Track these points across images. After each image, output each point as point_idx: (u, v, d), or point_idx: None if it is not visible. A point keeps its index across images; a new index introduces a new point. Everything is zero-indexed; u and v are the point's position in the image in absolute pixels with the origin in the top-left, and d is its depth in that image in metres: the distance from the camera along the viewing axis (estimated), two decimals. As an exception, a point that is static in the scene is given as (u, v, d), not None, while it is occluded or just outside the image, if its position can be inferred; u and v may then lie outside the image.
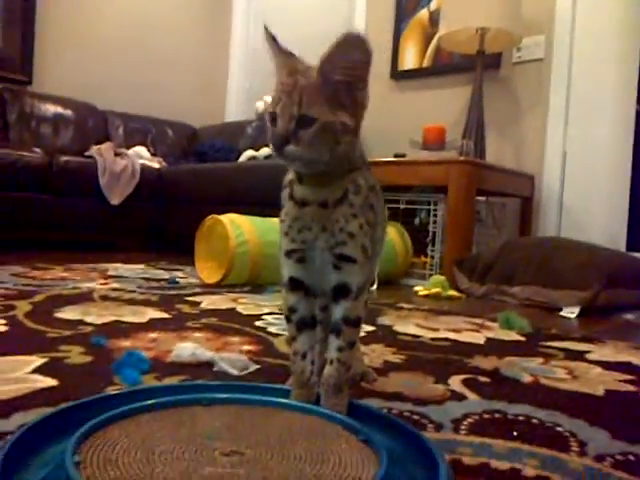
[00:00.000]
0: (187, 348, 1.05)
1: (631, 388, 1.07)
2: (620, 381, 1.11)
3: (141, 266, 2.61)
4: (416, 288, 2.35)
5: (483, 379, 1.05)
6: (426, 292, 2.25)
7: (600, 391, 1.03)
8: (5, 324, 1.25)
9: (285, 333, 1.29)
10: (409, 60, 3.51)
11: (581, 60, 2.88)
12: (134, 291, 1.85)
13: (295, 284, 0.78)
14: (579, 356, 1.30)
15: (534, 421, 0.84)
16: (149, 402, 0.70)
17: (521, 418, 0.84)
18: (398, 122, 3.40)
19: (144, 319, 1.41)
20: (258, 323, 1.45)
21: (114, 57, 4.14)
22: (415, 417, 0.82)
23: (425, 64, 3.43)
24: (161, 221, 3.55)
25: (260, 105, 3.86)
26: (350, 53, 0.67)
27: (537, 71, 2.98)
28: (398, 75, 3.55)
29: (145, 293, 1.83)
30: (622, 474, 0.67)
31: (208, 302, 1.73)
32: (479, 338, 1.45)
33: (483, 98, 2.84)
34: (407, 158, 2.76)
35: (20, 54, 3.73)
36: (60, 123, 3.68)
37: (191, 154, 4.06)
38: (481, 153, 2.79)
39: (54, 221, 3.13)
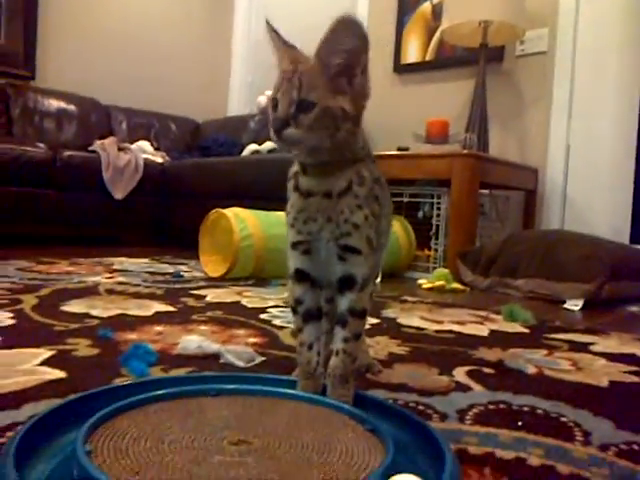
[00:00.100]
0: (193, 341, 1.05)
1: (635, 379, 1.07)
2: (624, 372, 1.11)
3: (145, 260, 2.62)
4: (420, 281, 2.35)
5: (487, 370, 1.06)
6: (430, 285, 2.26)
7: (604, 382, 1.03)
8: (12, 317, 1.26)
9: (290, 326, 1.30)
10: (412, 53, 3.50)
11: (584, 53, 2.87)
12: (139, 285, 1.86)
13: (301, 276, 0.79)
14: (583, 348, 1.30)
15: (539, 412, 0.84)
16: (157, 393, 0.70)
17: (526, 409, 0.85)
18: (401, 116, 3.40)
19: (150, 312, 1.42)
20: (263, 316, 1.46)
21: (116, 52, 4.14)
22: (420, 407, 0.83)
23: (428, 57, 3.42)
24: (165, 215, 3.55)
25: (262, 99, 3.86)
26: (346, 36, 0.68)
27: (540, 64, 2.97)
28: (401, 69, 3.55)
29: (150, 287, 1.84)
30: (626, 463, 0.67)
31: (213, 295, 1.74)
32: (483, 330, 1.45)
33: (486, 91, 2.84)
34: (410, 152, 2.76)
35: (23, 49, 3.73)
36: (63, 118, 3.69)
37: (194, 148, 4.06)
38: (484, 146, 2.78)
39: (58, 216, 3.13)
